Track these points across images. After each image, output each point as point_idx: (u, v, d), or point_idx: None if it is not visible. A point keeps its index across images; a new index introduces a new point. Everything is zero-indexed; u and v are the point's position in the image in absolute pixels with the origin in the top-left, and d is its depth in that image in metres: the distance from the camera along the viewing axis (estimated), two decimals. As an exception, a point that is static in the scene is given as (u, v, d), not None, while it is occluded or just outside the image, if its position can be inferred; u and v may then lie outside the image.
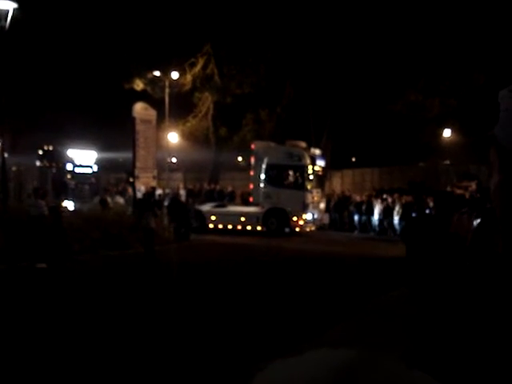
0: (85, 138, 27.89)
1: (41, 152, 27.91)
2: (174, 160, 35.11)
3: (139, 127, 20.00)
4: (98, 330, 7.95)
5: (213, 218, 22.24)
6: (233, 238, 20.36)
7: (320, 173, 23.20)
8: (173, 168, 34.26)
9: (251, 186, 23.01)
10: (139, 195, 19.38)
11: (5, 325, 8.19)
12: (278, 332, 8.00)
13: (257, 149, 22.63)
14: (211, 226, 22.20)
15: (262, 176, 21.85)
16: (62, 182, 26.52)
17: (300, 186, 21.35)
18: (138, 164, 20.04)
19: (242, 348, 7.19)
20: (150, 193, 18.44)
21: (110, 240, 16.27)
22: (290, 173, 21.64)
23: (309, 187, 21.43)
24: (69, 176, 27.33)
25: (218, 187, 29.79)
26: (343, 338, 7.87)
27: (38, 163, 27.79)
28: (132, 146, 19.99)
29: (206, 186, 30.81)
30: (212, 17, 29.09)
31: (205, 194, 29.30)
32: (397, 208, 21.73)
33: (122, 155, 27.42)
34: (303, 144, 22.96)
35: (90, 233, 15.87)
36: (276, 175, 21.77)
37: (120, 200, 22.37)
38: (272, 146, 23.08)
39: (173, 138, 33.26)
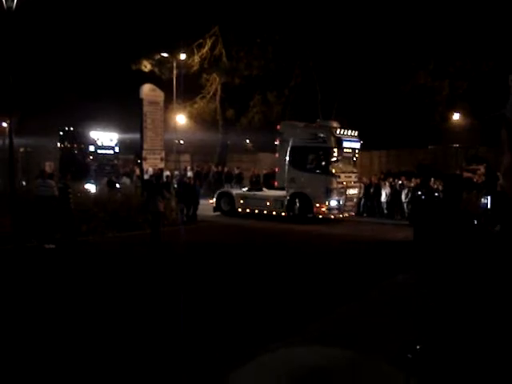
0: (92, 119, 27.81)
1: (61, 133, 27.51)
2: (181, 142, 35.05)
3: (147, 109, 19.97)
4: (101, 312, 8.03)
5: (241, 201, 21.66)
6: (247, 221, 20.23)
7: (353, 156, 21.45)
8: (180, 150, 34.22)
9: (277, 170, 22.07)
10: (146, 177, 19.39)
11: (12, 305, 8.28)
12: (271, 318, 8.04)
13: (282, 129, 21.41)
14: (240, 209, 21.66)
15: (287, 158, 20.67)
16: (83, 163, 26.11)
17: (324, 169, 20.00)
18: (145, 146, 20.04)
19: (225, 331, 7.24)
20: (159, 175, 18.38)
21: (119, 221, 16.31)
22: (315, 155, 20.31)
23: (333, 171, 19.99)
24: (91, 157, 27.07)
25: (225, 169, 29.78)
26: (344, 324, 7.89)
27: (58, 144, 27.45)
28: (140, 127, 19.98)
29: (213, 167, 30.81)
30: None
31: (213, 176, 29.34)
32: (405, 191, 21.60)
33: (129, 137, 27.30)
34: (335, 124, 21.34)
35: (98, 214, 15.90)
36: (300, 158, 20.51)
37: (126, 181, 22.44)
38: (298, 127, 21.51)
39: (180, 119, 33.23)
